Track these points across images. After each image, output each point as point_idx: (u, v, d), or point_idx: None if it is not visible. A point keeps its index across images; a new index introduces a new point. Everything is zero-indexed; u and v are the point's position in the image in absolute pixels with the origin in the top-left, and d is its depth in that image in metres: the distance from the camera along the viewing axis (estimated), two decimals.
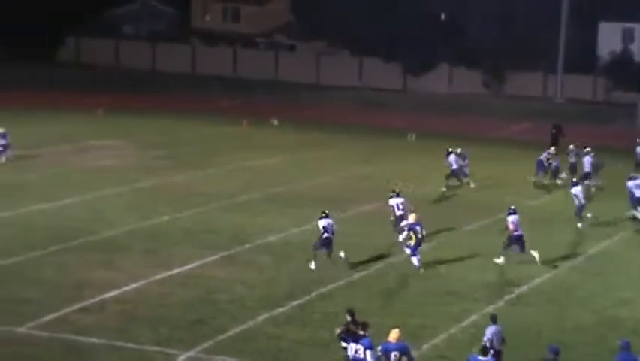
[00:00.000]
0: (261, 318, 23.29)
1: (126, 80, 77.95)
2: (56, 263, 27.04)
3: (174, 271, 26.73)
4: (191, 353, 20.99)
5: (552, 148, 43.21)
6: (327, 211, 28.14)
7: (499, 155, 50.67)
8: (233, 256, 28.72)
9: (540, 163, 41.89)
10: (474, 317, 24.07)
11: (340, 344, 19.36)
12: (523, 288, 26.83)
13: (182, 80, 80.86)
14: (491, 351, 18.86)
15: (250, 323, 22.88)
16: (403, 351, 18.14)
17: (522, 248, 28.95)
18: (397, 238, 29.92)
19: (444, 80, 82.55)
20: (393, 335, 18.20)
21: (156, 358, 20.72)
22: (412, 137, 53.45)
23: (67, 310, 23.16)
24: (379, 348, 18.06)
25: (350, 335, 18.91)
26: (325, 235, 27.58)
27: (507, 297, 25.95)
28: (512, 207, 29.79)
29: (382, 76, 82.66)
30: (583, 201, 34.48)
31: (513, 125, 63.86)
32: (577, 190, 34.62)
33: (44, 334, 21.64)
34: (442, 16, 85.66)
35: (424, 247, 28.96)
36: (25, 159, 42.36)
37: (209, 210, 34.36)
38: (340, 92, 77.18)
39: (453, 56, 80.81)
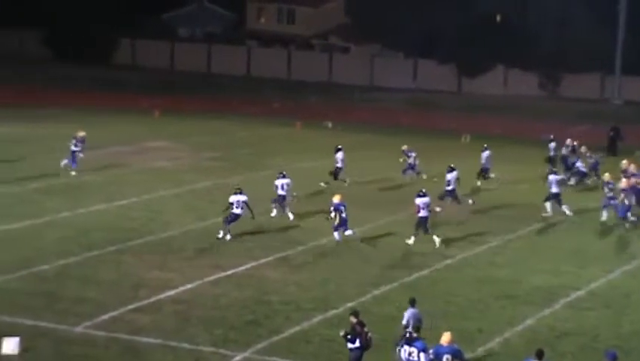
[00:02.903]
0: (315, 320, 23.33)
1: (181, 83, 78.52)
2: (114, 263, 27.33)
3: (229, 272, 26.87)
4: (246, 354, 21.09)
5: (568, 140, 42.78)
6: (239, 188, 30.60)
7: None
8: (286, 257, 28.81)
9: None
10: (529, 321, 23.91)
11: (347, 345, 19.30)
12: (580, 292, 26.58)
13: (237, 82, 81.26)
14: (409, 332, 19.42)
15: (304, 325, 22.93)
16: (455, 354, 18.09)
17: (425, 230, 30.13)
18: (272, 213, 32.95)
19: (499, 82, 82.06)
20: (445, 338, 18.16)
21: (211, 358, 20.85)
22: (466, 138, 53.21)
23: (124, 310, 23.39)
24: (431, 351, 18.02)
25: (356, 336, 19.08)
26: (235, 211, 30.04)
27: (563, 301, 25.73)
28: (423, 190, 30.88)
29: (437, 78, 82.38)
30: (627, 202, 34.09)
31: (569, 127, 63.24)
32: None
33: (101, 333, 21.88)
34: (498, 18, 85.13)
35: (480, 250, 28.83)
36: (83, 160, 42.82)
37: (262, 211, 34.46)
38: (394, 94, 77.04)
39: (508, 58, 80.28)
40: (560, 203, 35.40)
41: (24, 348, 20.55)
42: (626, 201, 34.21)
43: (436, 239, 30.41)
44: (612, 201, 34.65)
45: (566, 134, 48.28)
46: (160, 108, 59.42)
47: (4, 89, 67.23)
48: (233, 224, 30.27)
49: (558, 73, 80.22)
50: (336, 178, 38.67)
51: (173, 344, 21.43)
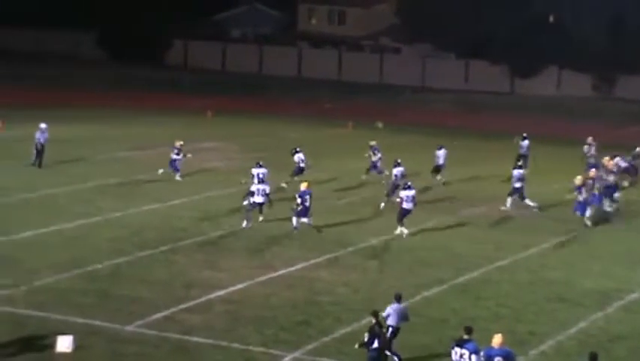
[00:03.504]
0: (364, 321, 23.22)
1: (233, 83, 78.86)
2: (165, 263, 27.51)
3: (279, 273, 26.93)
4: (296, 355, 21.11)
5: (589, 138, 42.06)
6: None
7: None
8: (336, 258, 28.80)
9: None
10: (582, 324, 23.68)
11: (367, 347, 19.31)
12: (634, 295, 26.28)
13: (289, 83, 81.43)
14: (389, 328, 20.10)
15: (354, 326, 22.90)
16: (507, 357, 17.94)
17: (400, 221, 31.18)
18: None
19: (552, 83, 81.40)
20: (497, 341, 18.02)
21: (261, 358, 20.89)
22: (517, 140, 52.79)
23: (175, 309, 23.53)
24: (482, 353, 17.91)
25: (375, 336, 19.13)
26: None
27: (616, 303, 25.45)
28: (408, 183, 32.12)
29: (489, 78, 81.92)
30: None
31: (623, 128, 62.56)
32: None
33: (152, 332, 22.02)
34: (551, 18, 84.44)
35: (532, 252, 28.65)
36: (136, 160, 43.21)
37: (313, 212, 34.49)
38: (446, 95, 76.71)
39: (561, 58, 79.60)
40: (522, 198, 35.69)
41: (77, 346, 20.77)
42: (580, 198, 34.01)
43: (405, 231, 31.17)
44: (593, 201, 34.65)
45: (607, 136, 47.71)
46: (212, 109, 59.73)
47: (61, 91, 68.02)
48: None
49: (612, 73, 79.35)
50: (376, 172, 39.44)
51: (224, 343, 21.51)
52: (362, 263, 28.37)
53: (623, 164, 41.35)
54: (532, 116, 67.07)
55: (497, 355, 17.86)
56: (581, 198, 33.94)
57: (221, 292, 24.97)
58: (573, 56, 78.34)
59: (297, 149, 39.73)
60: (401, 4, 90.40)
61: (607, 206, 35.44)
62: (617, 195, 36.14)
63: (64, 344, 20.68)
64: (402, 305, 20.85)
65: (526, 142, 44.59)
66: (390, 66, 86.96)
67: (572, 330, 23.23)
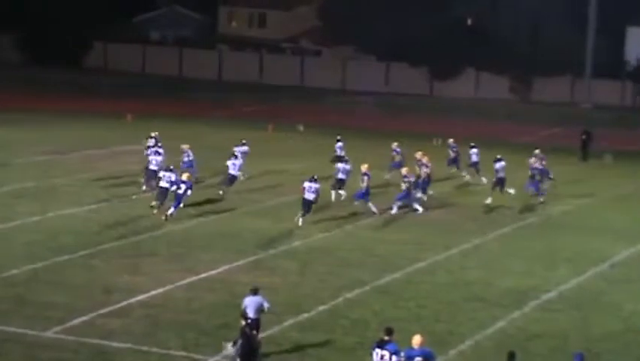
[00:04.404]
0: (286, 323, 23.32)
1: (153, 86, 78.30)
2: (84, 267, 27.19)
3: (200, 276, 26.81)
4: (217, 358, 21.05)
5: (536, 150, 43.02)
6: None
7: (524, 160, 50.44)
8: (258, 260, 28.78)
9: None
10: (500, 324, 24.01)
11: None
12: (550, 294, 26.73)
13: (209, 86, 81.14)
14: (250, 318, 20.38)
15: (275, 328, 22.90)
16: (427, 357, 18.10)
17: (306, 211, 32.95)
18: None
19: (470, 85, 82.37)
20: (416, 341, 18.17)
21: None
22: (437, 142, 53.33)
23: (94, 314, 23.27)
24: (403, 354, 18.04)
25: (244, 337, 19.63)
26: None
27: (533, 303, 25.86)
28: (315, 176, 33.63)
29: (409, 81, 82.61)
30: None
31: (540, 130, 63.63)
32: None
33: (71, 338, 21.75)
34: (469, 21, 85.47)
35: (451, 253, 28.98)
36: (54, 164, 42.64)
37: (234, 215, 34.46)
38: (366, 98, 77.14)
39: (480, 61, 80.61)
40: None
41: None
42: (403, 186, 35.54)
43: (301, 221, 32.65)
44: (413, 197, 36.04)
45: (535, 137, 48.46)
46: (132, 112, 59.22)
47: None
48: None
49: (529, 76, 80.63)
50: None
51: (144, 348, 21.34)
52: (283, 265, 28.39)
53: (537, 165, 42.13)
54: (450, 118, 67.81)
55: (417, 355, 18.00)
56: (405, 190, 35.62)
57: (142, 297, 24.77)
58: (491, 58, 79.38)
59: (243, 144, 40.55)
60: (322, 7, 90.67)
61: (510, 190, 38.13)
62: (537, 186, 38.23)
63: None
64: (257, 297, 20.98)
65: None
66: (311, 69, 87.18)
67: (491, 330, 23.54)
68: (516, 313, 24.84)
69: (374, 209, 35.07)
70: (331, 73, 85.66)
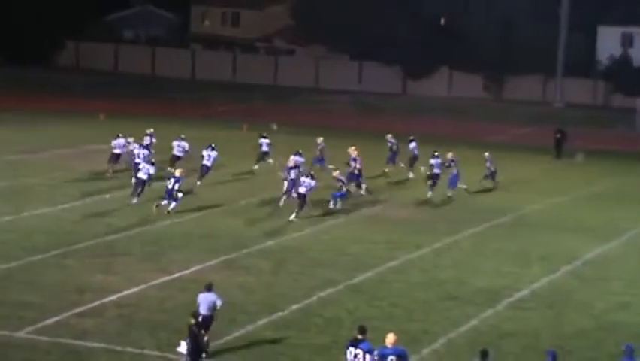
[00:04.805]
0: (260, 322, 23.34)
1: (126, 85, 78.02)
2: (57, 267, 27.08)
3: (173, 276, 26.76)
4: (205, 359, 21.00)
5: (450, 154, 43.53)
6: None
7: (498, 159, 50.70)
8: (232, 260, 28.77)
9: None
10: (473, 322, 24.12)
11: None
12: (523, 292, 26.88)
13: (182, 85, 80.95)
14: (200, 317, 20.51)
15: (249, 328, 22.92)
16: (400, 355, 18.16)
17: (300, 206, 33.82)
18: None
19: (444, 84, 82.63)
20: (390, 340, 18.22)
21: None
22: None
23: (67, 314, 23.18)
24: (376, 353, 18.10)
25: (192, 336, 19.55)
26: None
27: (506, 301, 26.00)
28: (311, 172, 35.26)
29: (382, 80, 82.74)
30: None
31: (512, 129, 63.95)
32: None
33: (44, 338, 21.66)
34: (442, 21, 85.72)
35: (424, 252, 29.11)
36: (27, 163, 42.42)
37: (208, 214, 34.43)
38: (339, 96, 77.23)
39: (453, 60, 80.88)
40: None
41: None
42: (342, 184, 36.03)
43: (294, 215, 33.59)
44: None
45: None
46: (105, 111, 58.98)
47: None
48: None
49: (501, 75, 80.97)
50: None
51: (118, 348, 21.29)
52: (257, 265, 28.39)
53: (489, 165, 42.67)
54: (424, 117, 68.00)
55: (391, 354, 18.06)
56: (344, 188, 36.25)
57: (115, 297, 24.70)
58: (464, 57, 79.67)
59: (213, 145, 40.33)
60: (295, 6, 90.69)
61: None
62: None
63: None
64: (210, 294, 21.13)
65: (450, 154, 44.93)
66: (285, 68, 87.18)
67: (464, 328, 23.64)
68: (489, 312, 24.96)
69: (363, 192, 36.57)
70: (305, 72, 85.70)
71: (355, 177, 38.42)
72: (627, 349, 18.77)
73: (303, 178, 34.43)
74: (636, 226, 35.83)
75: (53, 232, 30.71)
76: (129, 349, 21.27)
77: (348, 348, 18.24)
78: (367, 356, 17.97)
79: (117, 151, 40.27)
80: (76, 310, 23.44)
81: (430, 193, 38.78)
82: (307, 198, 33.98)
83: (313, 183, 34.11)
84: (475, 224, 34.74)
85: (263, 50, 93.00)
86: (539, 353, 21.23)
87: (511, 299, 26.19)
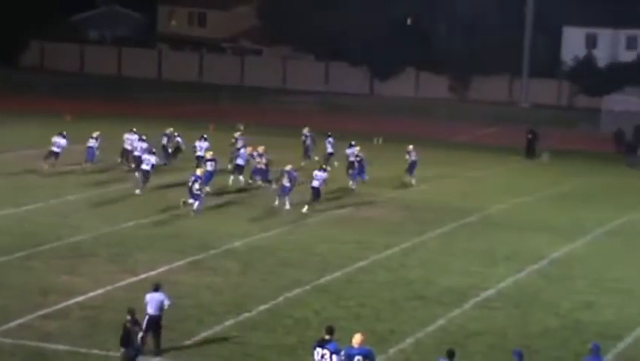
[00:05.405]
0: (227, 323, 23.26)
1: (92, 86, 77.54)
2: (21, 269, 26.84)
3: (140, 277, 26.60)
4: (157, 358, 20.91)
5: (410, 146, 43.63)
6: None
7: (464, 159, 50.93)
8: (199, 261, 28.65)
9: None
10: (440, 322, 24.16)
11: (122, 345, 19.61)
12: (490, 292, 26.97)
13: (149, 85, 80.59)
14: (146, 316, 20.71)
15: (217, 328, 22.83)
16: (367, 356, 18.13)
17: (314, 199, 35.29)
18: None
19: (410, 85, 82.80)
20: (357, 340, 18.20)
21: None
22: (378, 141, 53.56)
23: (31, 316, 22.98)
24: (343, 353, 18.07)
25: (127, 334, 19.63)
26: None
27: (473, 301, 26.07)
28: (323, 165, 36.99)
29: (348, 80, 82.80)
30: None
31: (478, 129, 64.22)
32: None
33: (8, 341, 21.45)
34: (408, 21, 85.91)
35: (392, 252, 29.13)
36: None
37: (174, 215, 34.26)
38: (306, 97, 77.20)
39: (419, 61, 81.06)
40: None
41: None
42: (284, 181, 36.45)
43: (306, 208, 34.78)
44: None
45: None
46: (71, 112, 58.57)
47: None
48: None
49: (467, 76, 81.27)
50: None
51: (83, 350, 21.13)
52: (225, 265, 28.30)
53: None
54: (391, 117, 68.12)
55: (357, 354, 18.04)
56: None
57: (80, 298, 24.52)
58: (430, 58, 79.86)
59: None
60: (262, 6, 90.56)
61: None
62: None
63: None
64: (158, 294, 21.14)
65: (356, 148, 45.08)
66: (252, 68, 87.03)
67: (431, 328, 23.68)
68: (456, 311, 25.02)
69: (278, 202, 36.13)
70: (271, 72, 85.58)
71: (263, 172, 39.50)
72: (594, 347, 18.88)
73: (315, 172, 35.96)
74: (601, 225, 36.07)
75: (17, 234, 30.45)
76: (94, 351, 21.13)
77: (315, 348, 18.20)
78: (334, 357, 17.94)
79: (55, 149, 40.99)
80: (41, 312, 23.25)
81: (351, 182, 40.02)
82: (320, 191, 35.44)
83: (325, 175, 35.80)
84: (442, 224, 34.82)
85: (229, 50, 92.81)
86: (506, 352, 21.30)
87: (478, 299, 26.27)
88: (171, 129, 44.73)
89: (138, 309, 23.74)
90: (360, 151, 41.22)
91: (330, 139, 44.85)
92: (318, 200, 35.64)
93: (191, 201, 34.04)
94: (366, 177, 40.86)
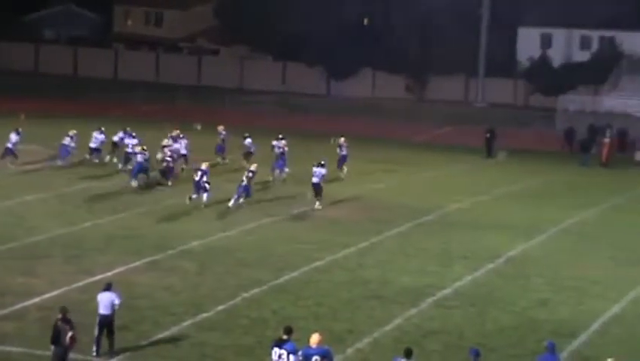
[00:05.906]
0: (185, 324, 23.21)
1: (47, 86, 76.91)
2: None
3: (96, 278, 26.45)
4: (113, 360, 20.82)
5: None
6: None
7: (422, 159, 51.19)
8: (156, 261, 28.56)
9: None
10: (397, 321, 24.28)
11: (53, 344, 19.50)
12: (446, 291, 27.14)
13: (105, 85, 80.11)
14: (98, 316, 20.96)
15: (174, 329, 22.78)
16: (325, 355, 18.20)
17: (316, 194, 36.13)
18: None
19: (367, 85, 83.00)
20: (314, 340, 18.26)
21: None
22: (335, 141, 53.62)
23: None
24: (300, 353, 18.11)
25: (58, 332, 19.54)
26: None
27: (429, 300, 26.23)
28: (322, 162, 37.09)
29: (305, 80, 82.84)
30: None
31: (435, 129, 64.54)
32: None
33: None
34: (365, 21, 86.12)
35: (348, 252, 29.20)
36: None
37: (131, 215, 34.13)
38: (263, 97, 77.15)
39: (376, 61, 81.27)
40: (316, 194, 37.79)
41: None
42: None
43: (317, 204, 36.05)
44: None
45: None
46: (25, 112, 58.03)
47: None
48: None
49: (424, 76, 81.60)
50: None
51: (38, 352, 20.98)
52: (182, 266, 28.23)
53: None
54: (348, 117, 68.25)
55: (315, 354, 18.09)
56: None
57: (37, 299, 24.35)
58: (386, 58, 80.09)
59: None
60: (219, 6, 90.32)
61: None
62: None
63: None
64: (109, 293, 21.18)
65: (283, 141, 45.09)
66: (209, 68, 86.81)
67: (388, 327, 23.79)
68: (413, 311, 25.15)
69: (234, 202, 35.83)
70: (229, 72, 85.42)
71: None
72: (549, 345, 19.09)
73: (314, 168, 36.59)
74: (556, 223, 36.42)
75: None
76: (49, 353, 20.94)
77: (273, 348, 18.24)
78: (291, 357, 17.99)
79: (9, 146, 41.72)
80: None
81: (276, 173, 41.44)
82: (321, 186, 36.36)
83: (324, 171, 36.69)
84: (400, 223, 34.97)
85: (186, 50, 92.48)
86: (463, 350, 21.45)
87: (435, 298, 26.42)
88: (128, 129, 44.65)
89: (95, 310, 23.69)
90: (285, 145, 42.49)
91: (249, 140, 45.26)
92: (321, 196, 36.39)
93: (194, 196, 35.04)
94: (287, 170, 41.86)
